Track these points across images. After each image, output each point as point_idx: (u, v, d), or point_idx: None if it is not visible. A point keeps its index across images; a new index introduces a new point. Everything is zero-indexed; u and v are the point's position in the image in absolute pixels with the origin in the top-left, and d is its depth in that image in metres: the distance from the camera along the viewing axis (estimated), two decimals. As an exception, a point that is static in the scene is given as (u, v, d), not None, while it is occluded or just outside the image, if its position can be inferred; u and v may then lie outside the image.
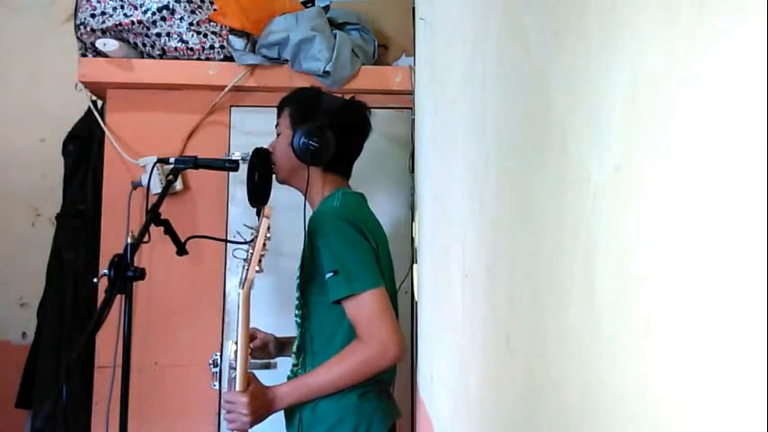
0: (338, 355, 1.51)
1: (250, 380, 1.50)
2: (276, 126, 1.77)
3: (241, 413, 1.46)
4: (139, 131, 2.19)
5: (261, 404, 1.49)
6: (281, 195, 1.79)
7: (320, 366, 1.53)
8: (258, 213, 1.78)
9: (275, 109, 1.79)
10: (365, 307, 1.49)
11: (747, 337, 0.28)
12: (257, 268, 1.50)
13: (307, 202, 1.70)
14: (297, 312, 1.65)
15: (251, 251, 1.51)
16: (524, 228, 0.63)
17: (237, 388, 1.48)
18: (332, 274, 1.50)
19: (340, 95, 1.87)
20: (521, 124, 0.65)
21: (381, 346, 1.47)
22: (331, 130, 1.66)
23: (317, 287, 1.57)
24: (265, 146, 1.78)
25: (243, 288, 1.50)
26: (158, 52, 2.15)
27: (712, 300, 0.31)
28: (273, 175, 1.74)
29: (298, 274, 1.64)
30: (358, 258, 1.52)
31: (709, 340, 0.31)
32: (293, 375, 1.62)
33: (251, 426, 1.49)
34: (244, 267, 1.52)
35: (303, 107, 1.71)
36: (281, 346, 1.80)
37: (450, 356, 1.11)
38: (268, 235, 1.52)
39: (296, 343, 1.65)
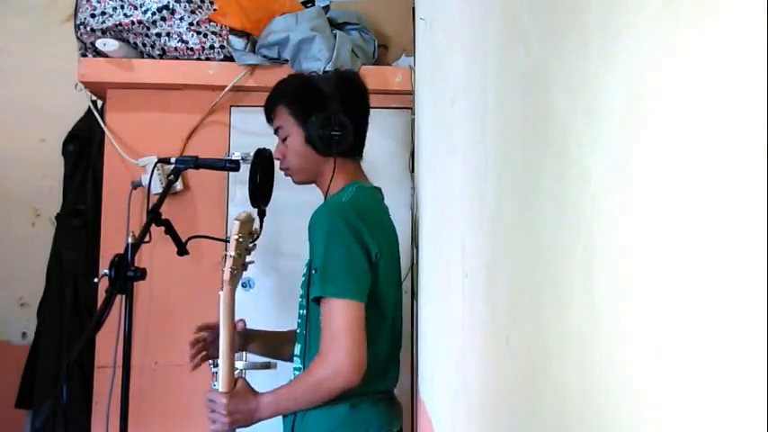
0: (304, 372, 1.46)
1: (238, 382, 1.48)
2: (277, 130, 1.65)
3: (220, 413, 1.44)
4: (139, 131, 2.19)
5: (241, 408, 1.44)
6: (281, 195, 1.79)
7: (293, 380, 1.49)
8: (259, 214, 1.78)
9: None
10: (332, 316, 1.40)
11: (748, 337, 0.28)
12: (228, 266, 1.49)
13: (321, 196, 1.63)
14: (300, 312, 1.60)
15: (228, 253, 1.50)
16: (524, 228, 0.63)
17: (220, 389, 1.47)
18: (314, 271, 1.44)
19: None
20: (521, 124, 0.65)
21: (333, 366, 1.38)
22: (344, 111, 1.57)
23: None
24: (265, 146, 1.76)
25: (221, 290, 1.49)
26: (158, 52, 2.15)
27: (713, 299, 0.31)
28: (290, 177, 1.66)
29: (305, 271, 1.58)
30: (341, 263, 1.43)
31: (710, 340, 0.31)
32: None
33: (230, 428, 1.45)
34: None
35: (303, 98, 1.60)
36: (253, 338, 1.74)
37: (450, 356, 1.11)
38: (255, 241, 1.53)
39: (298, 345, 1.59)
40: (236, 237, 1.50)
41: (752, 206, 0.28)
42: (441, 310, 1.26)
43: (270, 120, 1.67)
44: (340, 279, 1.41)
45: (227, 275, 1.50)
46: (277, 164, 1.70)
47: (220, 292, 1.50)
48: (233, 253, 1.50)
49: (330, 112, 1.55)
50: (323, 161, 1.58)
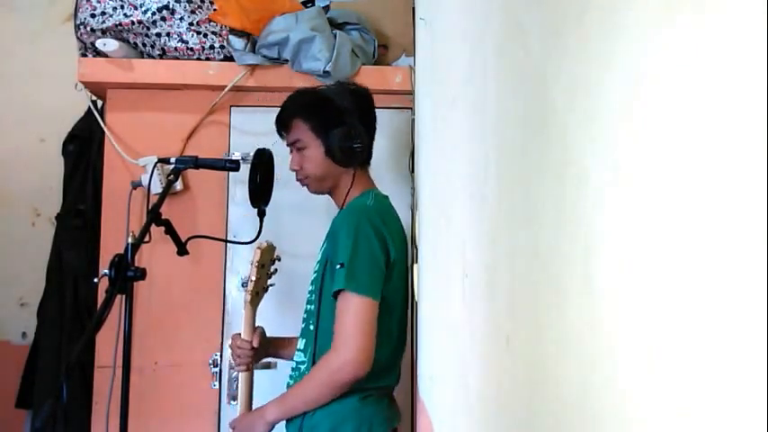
0: (313, 368, 1.52)
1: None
2: (294, 143, 1.70)
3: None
4: (139, 131, 2.19)
5: (247, 422, 1.58)
6: (282, 196, 1.79)
7: (302, 379, 1.55)
8: (259, 214, 1.79)
9: (276, 109, 1.76)
10: (349, 310, 1.47)
11: (748, 337, 0.28)
12: (248, 289, 1.66)
13: (329, 203, 1.73)
14: (308, 308, 1.64)
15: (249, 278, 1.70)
16: (524, 228, 0.63)
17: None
18: (339, 266, 1.50)
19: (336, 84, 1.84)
20: (521, 124, 0.65)
21: (344, 357, 1.45)
22: (361, 124, 1.66)
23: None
24: (265, 146, 1.77)
25: (244, 309, 1.67)
26: (158, 52, 2.15)
27: (713, 299, 0.31)
28: (306, 186, 1.73)
29: (316, 268, 1.64)
30: (366, 263, 1.51)
31: (710, 340, 0.31)
32: (299, 373, 1.61)
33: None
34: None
35: (323, 113, 1.67)
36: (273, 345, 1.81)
37: (450, 356, 1.11)
38: (273, 268, 1.71)
39: (303, 340, 1.64)
40: (256, 263, 1.64)
41: (752, 206, 0.28)
42: (441, 310, 1.26)
43: (283, 133, 1.73)
44: (363, 276, 1.49)
45: (247, 297, 1.66)
46: (293, 174, 1.74)
47: (243, 311, 1.68)
48: (254, 278, 1.65)
49: (350, 125, 1.63)
50: (342, 172, 1.67)
